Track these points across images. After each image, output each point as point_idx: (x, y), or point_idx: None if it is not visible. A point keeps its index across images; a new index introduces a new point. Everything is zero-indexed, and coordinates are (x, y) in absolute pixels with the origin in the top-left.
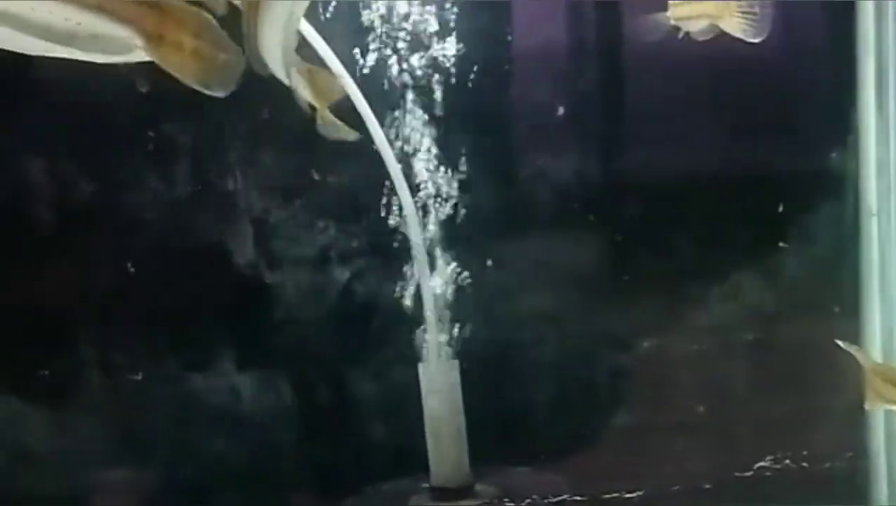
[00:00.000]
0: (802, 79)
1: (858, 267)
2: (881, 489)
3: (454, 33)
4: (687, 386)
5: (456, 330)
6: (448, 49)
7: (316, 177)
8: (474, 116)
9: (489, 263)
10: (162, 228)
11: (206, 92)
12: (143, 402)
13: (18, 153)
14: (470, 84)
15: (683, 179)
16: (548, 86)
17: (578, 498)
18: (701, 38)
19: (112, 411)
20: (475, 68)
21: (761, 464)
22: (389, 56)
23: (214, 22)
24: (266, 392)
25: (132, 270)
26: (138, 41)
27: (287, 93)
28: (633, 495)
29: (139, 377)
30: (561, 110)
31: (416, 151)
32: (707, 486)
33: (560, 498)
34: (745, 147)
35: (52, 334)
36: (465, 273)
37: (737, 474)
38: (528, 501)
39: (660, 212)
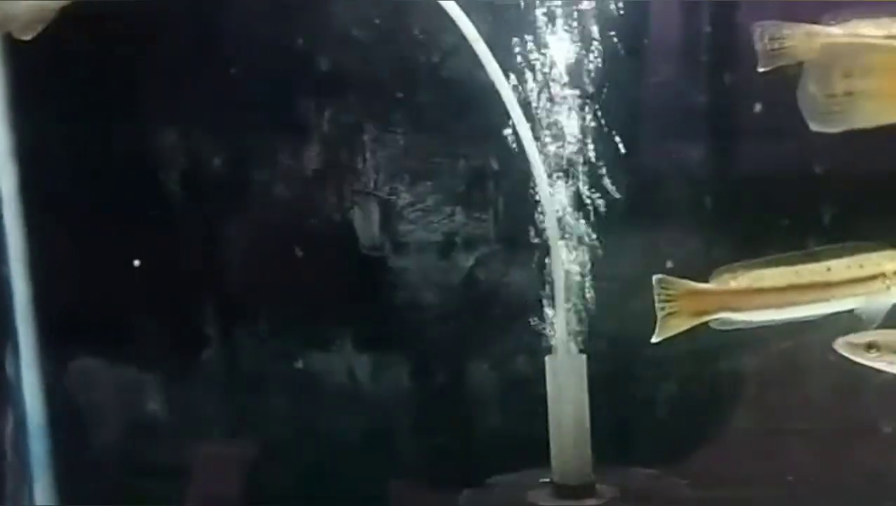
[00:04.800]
0: None
1: None
2: None
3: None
4: (857, 393)
5: (585, 325)
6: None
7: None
8: (618, 105)
9: (623, 256)
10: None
11: None
12: (264, 380)
13: (156, 126)
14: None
15: (826, 176)
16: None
17: None
18: None
19: (230, 390)
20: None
21: None
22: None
23: None
24: (387, 378)
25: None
26: None
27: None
28: None
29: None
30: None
31: (556, 137)
32: None
33: None
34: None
35: (176, 311)
36: (598, 265)
37: None
38: None
39: (805, 209)
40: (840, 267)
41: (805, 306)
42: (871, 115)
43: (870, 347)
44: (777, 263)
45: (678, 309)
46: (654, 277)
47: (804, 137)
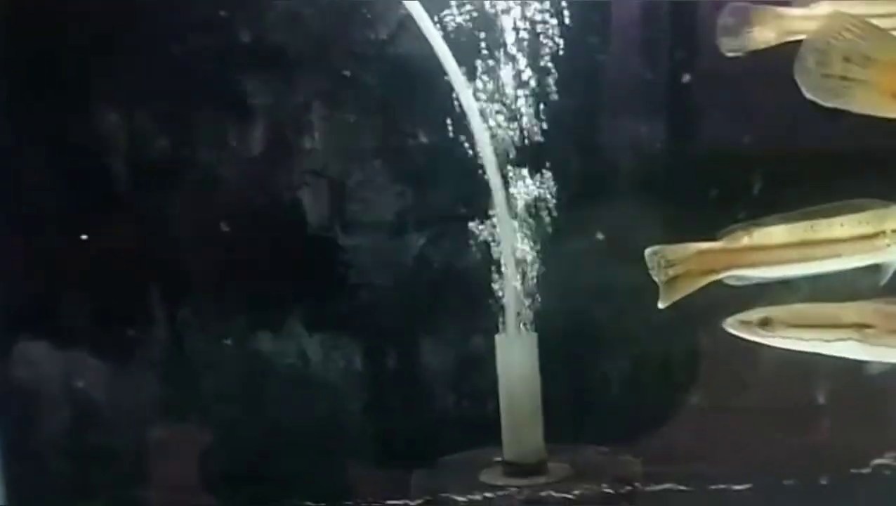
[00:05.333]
0: None
1: None
2: None
3: None
4: (799, 373)
5: (536, 303)
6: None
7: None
8: (567, 81)
9: (577, 233)
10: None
11: None
12: (213, 362)
13: (100, 106)
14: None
15: (777, 155)
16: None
17: (682, 488)
18: None
19: (182, 370)
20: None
21: (880, 461)
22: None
23: None
24: (338, 359)
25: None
26: None
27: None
28: (742, 487)
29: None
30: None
31: (504, 116)
32: (823, 482)
33: (663, 487)
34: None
35: (125, 291)
36: (549, 244)
37: (853, 470)
38: (628, 488)
39: (756, 187)
40: (852, 223)
41: (816, 263)
42: (862, 105)
43: (763, 323)
44: (790, 220)
45: (686, 270)
46: (648, 250)
47: (736, 112)
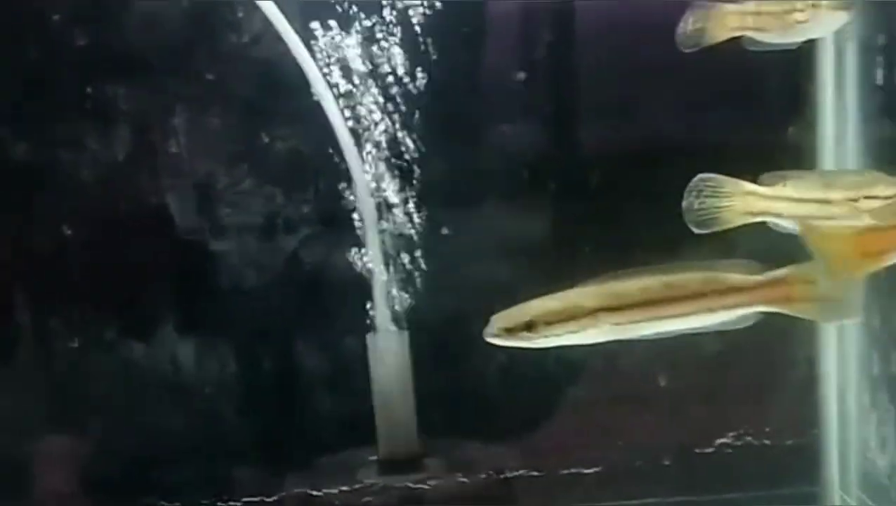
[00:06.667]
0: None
1: None
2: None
3: None
4: (645, 360)
5: (406, 301)
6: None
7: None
8: (430, 82)
9: (443, 231)
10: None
11: None
12: (81, 369)
13: None
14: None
15: (640, 150)
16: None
17: (535, 473)
18: None
19: (48, 378)
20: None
21: (722, 440)
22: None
23: None
24: (211, 363)
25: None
26: None
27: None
28: (591, 470)
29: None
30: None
31: (368, 117)
32: (667, 463)
33: (516, 473)
34: (702, 118)
35: None
36: (417, 243)
37: (697, 450)
38: (483, 476)
39: (617, 183)
40: (853, 187)
41: (833, 221)
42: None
43: (529, 327)
44: (824, 176)
45: (730, 205)
46: (699, 176)
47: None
